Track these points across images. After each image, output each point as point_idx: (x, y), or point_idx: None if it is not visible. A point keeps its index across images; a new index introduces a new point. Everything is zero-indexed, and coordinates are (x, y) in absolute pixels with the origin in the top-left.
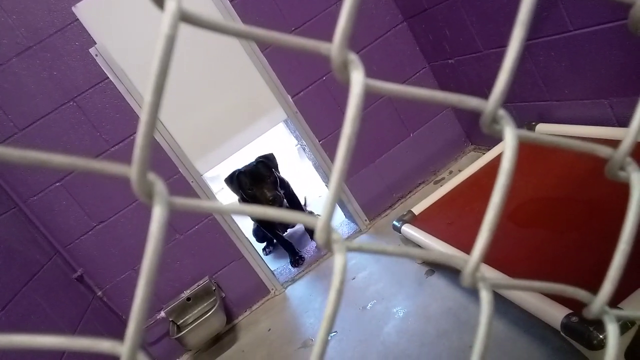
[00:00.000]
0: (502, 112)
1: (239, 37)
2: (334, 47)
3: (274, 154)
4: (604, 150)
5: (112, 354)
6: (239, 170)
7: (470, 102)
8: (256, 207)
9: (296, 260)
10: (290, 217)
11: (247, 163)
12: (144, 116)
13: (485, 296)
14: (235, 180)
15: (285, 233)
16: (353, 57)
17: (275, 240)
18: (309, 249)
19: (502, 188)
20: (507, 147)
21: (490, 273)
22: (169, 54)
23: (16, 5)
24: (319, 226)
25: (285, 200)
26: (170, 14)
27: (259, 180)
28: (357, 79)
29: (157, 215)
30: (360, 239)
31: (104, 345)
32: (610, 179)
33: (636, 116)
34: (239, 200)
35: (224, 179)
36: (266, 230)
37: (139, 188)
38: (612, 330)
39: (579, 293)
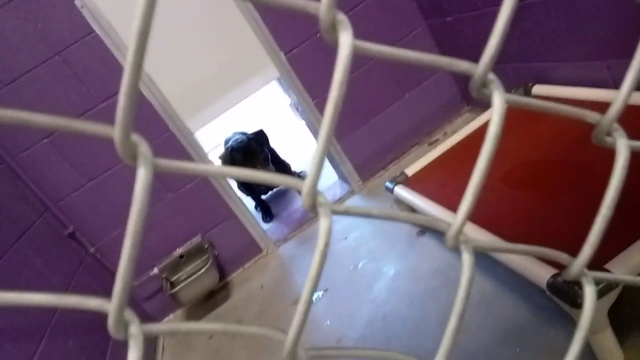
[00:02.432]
0: (491, 77)
1: None
2: (322, 6)
3: (264, 130)
4: (591, 116)
5: (99, 312)
6: (231, 146)
7: (460, 65)
8: (243, 170)
9: (266, 219)
10: (278, 180)
11: (237, 137)
12: (126, 77)
13: (466, 259)
14: (228, 156)
15: (266, 195)
16: (342, 18)
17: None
18: (298, 208)
19: (488, 152)
20: (495, 112)
21: (480, 234)
22: (151, 10)
23: None
24: (304, 190)
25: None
26: None
27: (251, 157)
28: (346, 41)
29: (142, 177)
30: (353, 200)
31: (92, 303)
32: (597, 144)
33: (625, 82)
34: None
35: (217, 156)
36: (245, 191)
37: (122, 149)
38: (589, 292)
39: (560, 256)
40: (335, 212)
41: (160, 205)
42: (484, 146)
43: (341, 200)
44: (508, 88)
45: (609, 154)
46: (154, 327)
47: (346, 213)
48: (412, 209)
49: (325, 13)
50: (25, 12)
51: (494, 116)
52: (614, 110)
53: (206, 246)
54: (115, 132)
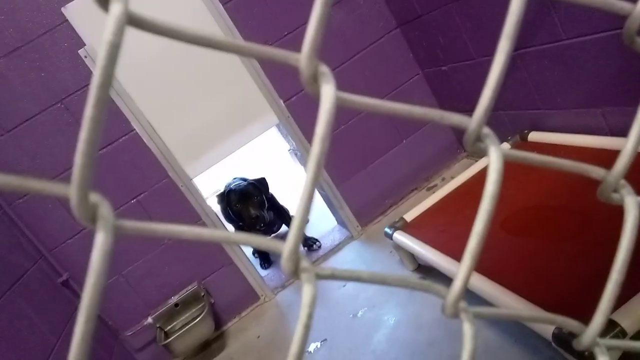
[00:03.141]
0: (486, 130)
1: (195, 44)
2: (303, 57)
3: (266, 179)
4: (596, 172)
5: None
6: (230, 187)
7: (452, 118)
8: (216, 231)
9: (264, 265)
10: (254, 243)
11: (237, 182)
12: (84, 133)
13: (467, 329)
14: (225, 197)
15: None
16: (324, 69)
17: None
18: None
19: (486, 212)
20: (492, 169)
21: (480, 281)
22: (113, 62)
23: (5, 4)
24: (284, 255)
25: (270, 219)
26: (115, 17)
27: (246, 199)
28: (328, 93)
29: (100, 242)
30: (352, 245)
31: None
32: (603, 201)
33: (630, 137)
34: (225, 217)
35: (215, 195)
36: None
37: (79, 211)
38: None
39: (569, 323)
40: (320, 277)
41: (156, 252)
42: (481, 205)
43: (340, 245)
44: (504, 135)
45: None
46: None
47: (332, 277)
48: (411, 255)
49: (305, 64)
50: (30, 60)
51: (492, 174)
52: (620, 166)
53: (202, 294)
54: (72, 191)
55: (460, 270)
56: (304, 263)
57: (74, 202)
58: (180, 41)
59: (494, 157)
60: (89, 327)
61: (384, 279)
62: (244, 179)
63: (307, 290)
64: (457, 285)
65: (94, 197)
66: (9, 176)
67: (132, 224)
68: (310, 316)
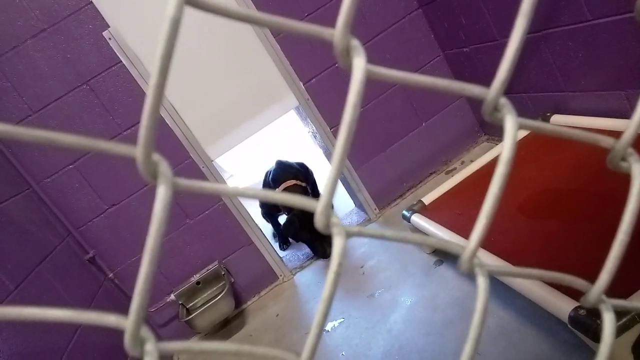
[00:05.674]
0: (503, 100)
1: (243, 21)
2: (337, 32)
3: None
4: (606, 141)
5: (117, 328)
6: (279, 160)
7: (473, 89)
8: (258, 190)
9: (283, 246)
10: (291, 201)
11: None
12: (149, 98)
13: (481, 282)
14: (271, 169)
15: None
16: (355, 43)
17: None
18: None
19: (500, 177)
20: (507, 135)
21: (498, 263)
22: (174, 36)
23: None
24: (318, 210)
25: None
26: None
27: (289, 171)
28: (359, 65)
29: (161, 195)
30: (370, 228)
31: (109, 319)
32: (612, 169)
33: (638, 107)
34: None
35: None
36: (267, 218)
37: (144, 168)
38: (608, 319)
39: (577, 282)
40: (349, 233)
41: (178, 232)
42: (496, 170)
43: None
44: (526, 117)
45: (629, 183)
46: (169, 345)
47: (359, 234)
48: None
49: (339, 39)
50: (56, 42)
51: (507, 139)
52: (628, 135)
53: (223, 273)
54: (138, 151)
55: (475, 229)
56: (335, 219)
57: (139, 160)
58: (228, 18)
59: (509, 124)
60: (152, 268)
61: (404, 238)
62: (288, 165)
63: (337, 242)
64: (473, 241)
65: (155, 157)
66: (81, 136)
67: (185, 182)
68: (340, 265)
